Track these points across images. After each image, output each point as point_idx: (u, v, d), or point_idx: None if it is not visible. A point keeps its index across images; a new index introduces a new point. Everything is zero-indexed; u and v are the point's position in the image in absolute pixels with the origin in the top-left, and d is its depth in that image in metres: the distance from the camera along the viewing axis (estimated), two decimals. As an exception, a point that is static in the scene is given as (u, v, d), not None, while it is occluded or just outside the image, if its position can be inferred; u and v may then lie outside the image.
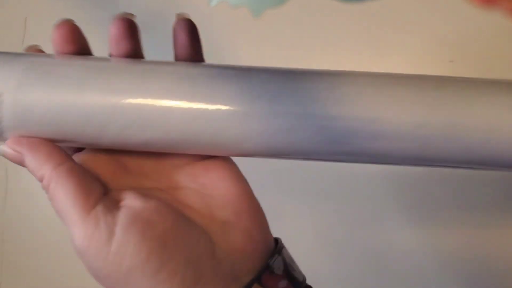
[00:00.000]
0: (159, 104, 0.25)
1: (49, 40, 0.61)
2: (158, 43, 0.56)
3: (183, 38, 0.29)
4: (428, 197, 0.46)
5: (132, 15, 0.29)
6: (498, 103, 0.24)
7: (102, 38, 0.58)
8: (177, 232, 0.24)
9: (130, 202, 0.24)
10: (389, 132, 0.24)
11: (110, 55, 0.28)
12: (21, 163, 0.25)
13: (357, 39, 0.47)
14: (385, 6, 0.46)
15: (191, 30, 0.29)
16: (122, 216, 0.23)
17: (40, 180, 0.25)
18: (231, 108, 0.25)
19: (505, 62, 0.43)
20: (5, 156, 0.25)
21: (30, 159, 0.25)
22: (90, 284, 0.56)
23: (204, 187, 0.27)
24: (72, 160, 0.25)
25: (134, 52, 0.28)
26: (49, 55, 0.28)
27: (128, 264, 0.22)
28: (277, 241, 0.28)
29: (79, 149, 0.28)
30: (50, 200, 0.25)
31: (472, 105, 0.24)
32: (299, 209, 0.48)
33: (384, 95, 0.25)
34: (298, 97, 0.25)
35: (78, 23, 0.29)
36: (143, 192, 0.25)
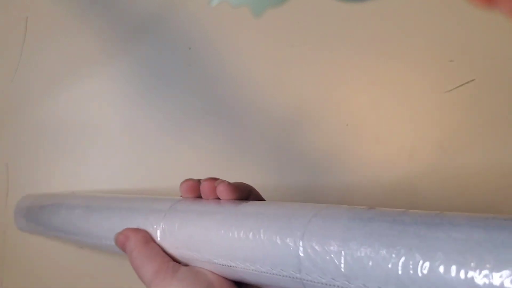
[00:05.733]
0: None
1: (49, 39, 0.61)
2: (158, 44, 0.56)
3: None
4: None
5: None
6: None
7: (102, 38, 0.58)
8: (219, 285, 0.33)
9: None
10: None
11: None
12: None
13: (357, 39, 0.47)
14: (385, 6, 0.46)
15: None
16: (184, 267, 0.34)
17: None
18: None
19: (505, 62, 0.43)
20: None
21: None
22: (88, 282, 0.56)
23: None
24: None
25: None
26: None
27: None
28: None
29: None
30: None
31: None
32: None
33: None
34: None
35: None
36: None
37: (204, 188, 0.36)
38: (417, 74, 0.45)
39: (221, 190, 0.35)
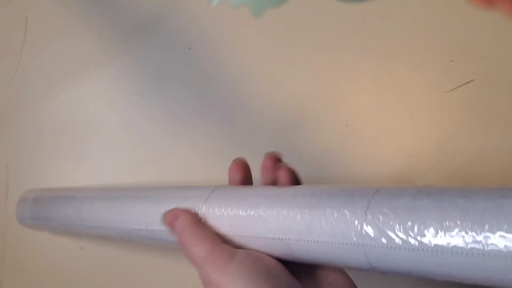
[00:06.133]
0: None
1: (49, 39, 0.61)
2: (158, 44, 0.56)
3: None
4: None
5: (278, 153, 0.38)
6: None
7: (102, 38, 0.58)
8: (278, 272, 0.32)
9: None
10: None
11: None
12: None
13: (357, 39, 0.47)
14: (385, 6, 0.46)
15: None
16: (241, 250, 0.33)
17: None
18: None
19: (505, 62, 0.43)
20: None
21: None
22: (88, 282, 0.56)
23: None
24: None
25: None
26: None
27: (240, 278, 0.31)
28: None
29: None
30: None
31: None
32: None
33: None
34: None
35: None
36: None
37: (266, 162, 0.38)
38: (417, 74, 0.45)
39: (284, 174, 0.36)
